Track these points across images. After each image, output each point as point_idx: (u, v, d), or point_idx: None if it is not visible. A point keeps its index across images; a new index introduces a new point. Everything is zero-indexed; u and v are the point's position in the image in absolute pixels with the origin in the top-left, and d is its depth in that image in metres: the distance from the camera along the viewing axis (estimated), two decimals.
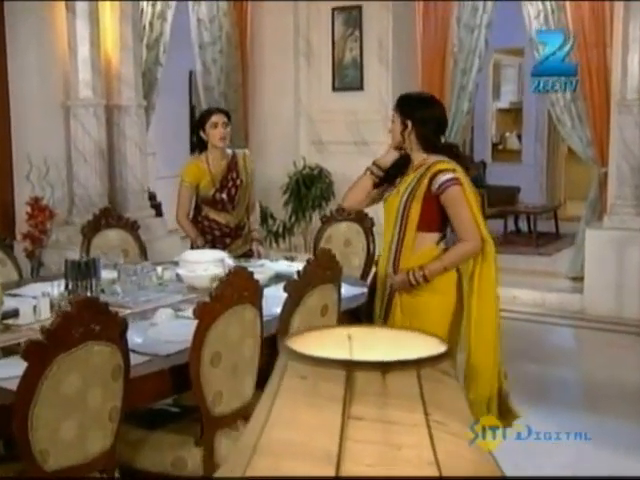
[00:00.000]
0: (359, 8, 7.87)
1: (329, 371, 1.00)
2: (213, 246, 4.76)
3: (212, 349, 2.86)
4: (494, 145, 13.23)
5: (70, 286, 3.62)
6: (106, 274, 3.89)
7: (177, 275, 4.11)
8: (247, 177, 4.94)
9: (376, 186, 3.70)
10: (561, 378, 5.53)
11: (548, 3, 7.02)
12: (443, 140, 3.67)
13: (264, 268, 4.28)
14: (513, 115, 13.31)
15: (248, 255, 4.89)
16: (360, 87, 8.00)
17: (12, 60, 6.16)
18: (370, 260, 4.74)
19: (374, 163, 3.71)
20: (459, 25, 7.56)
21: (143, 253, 5.00)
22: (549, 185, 12.03)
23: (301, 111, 8.38)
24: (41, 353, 2.33)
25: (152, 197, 7.77)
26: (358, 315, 3.78)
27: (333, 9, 8.01)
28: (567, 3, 6.95)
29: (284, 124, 8.35)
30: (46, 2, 6.26)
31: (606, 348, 6.01)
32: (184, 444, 2.99)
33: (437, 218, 3.50)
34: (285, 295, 3.24)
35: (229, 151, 4.94)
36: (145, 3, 7.07)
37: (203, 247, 4.72)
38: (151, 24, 7.15)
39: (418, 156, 3.55)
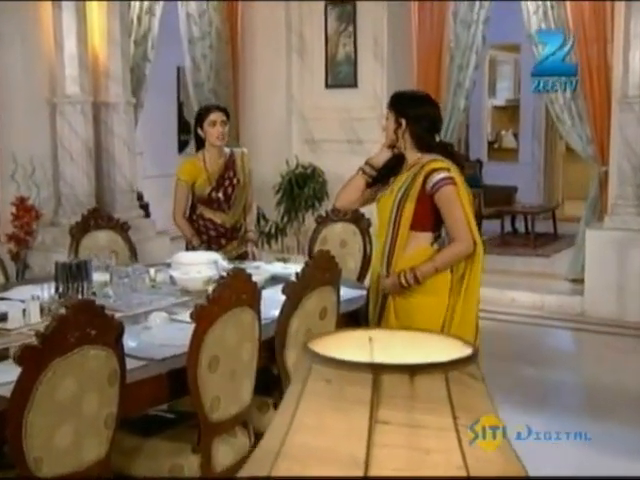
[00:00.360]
0: (353, 3, 7.76)
1: (355, 374, 1.00)
2: (208, 247, 4.67)
3: (210, 353, 2.82)
4: (490, 143, 13.16)
5: (61, 289, 3.57)
6: (97, 276, 3.84)
7: (170, 277, 4.06)
8: (245, 177, 4.86)
9: (369, 186, 3.68)
10: (561, 382, 5.48)
11: None
12: (438, 139, 3.63)
13: (259, 270, 4.24)
14: (509, 113, 13.25)
15: (243, 257, 4.81)
16: (354, 84, 7.87)
17: None
18: (367, 261, 4.69)
19: (367, 162, 3.69)
20: (456, 21, 7.47)
21: (133, 255, 4.92)
22: (547, 185, 11.94)
23: (293, 108, 8.24)
24: (36, 358, 2.29)
25: (139, 197, 7.63)
26: (357, 318, 3.76)
27: (326, 4, 7.89)
28: None
29: (276, 122, 8.23)
30: None
31: (607, 351, 5.96)
32: (181, 451, 2.95)
33: (431, 217, 3.48)
34: (283, 297, 3.22)
35: (227, 150, 4.86)
36: None
37: (199, 247, 4.64)
38: (139, 19, 7.06)
39: (412, 155, 3.53)
